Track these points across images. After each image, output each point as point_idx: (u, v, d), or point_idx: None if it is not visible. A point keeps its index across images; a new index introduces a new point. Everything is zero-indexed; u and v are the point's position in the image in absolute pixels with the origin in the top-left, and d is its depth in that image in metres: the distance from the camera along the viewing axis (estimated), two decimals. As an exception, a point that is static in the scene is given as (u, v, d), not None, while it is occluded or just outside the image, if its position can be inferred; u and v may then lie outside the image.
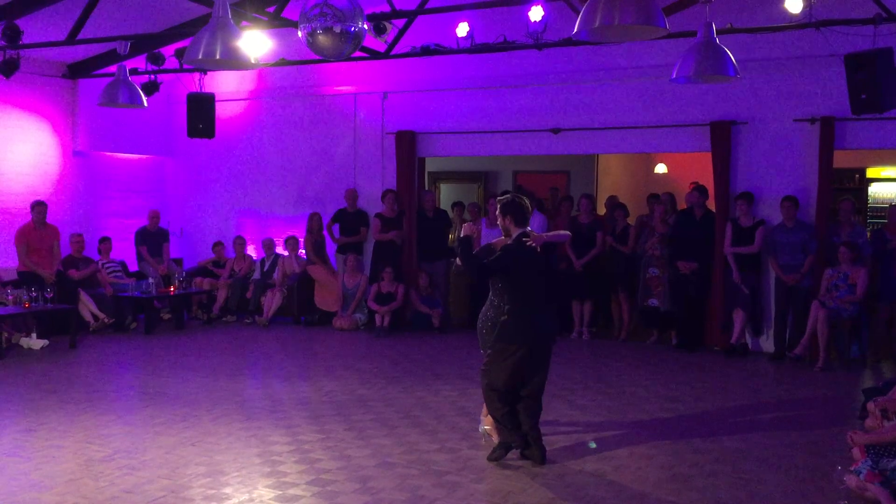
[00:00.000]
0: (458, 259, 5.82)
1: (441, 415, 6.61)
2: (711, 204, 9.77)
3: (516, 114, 10.74)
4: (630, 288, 10.12)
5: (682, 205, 10.69)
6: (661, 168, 14.34)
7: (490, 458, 5.43)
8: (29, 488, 4.88)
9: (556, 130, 10.51)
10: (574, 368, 8.52)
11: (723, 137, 9.55)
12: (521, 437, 5.43)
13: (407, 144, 11.19)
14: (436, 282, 11.08)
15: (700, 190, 9.86)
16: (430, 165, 12.90)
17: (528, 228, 5.46)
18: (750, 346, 9.49)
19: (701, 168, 11.11)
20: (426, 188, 12.22)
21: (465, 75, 10.87)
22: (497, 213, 5.54)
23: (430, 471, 5.23)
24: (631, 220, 10.72)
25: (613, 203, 11.05)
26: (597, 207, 11.46)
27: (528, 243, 5.31)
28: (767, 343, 9.40)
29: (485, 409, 5.80)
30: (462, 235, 5.40)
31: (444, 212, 11.63)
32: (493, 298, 5.46)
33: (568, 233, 6.19)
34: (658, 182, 13.74)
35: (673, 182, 13.43)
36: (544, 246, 5.42)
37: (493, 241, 5.67)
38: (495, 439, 5.61)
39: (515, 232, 5.42)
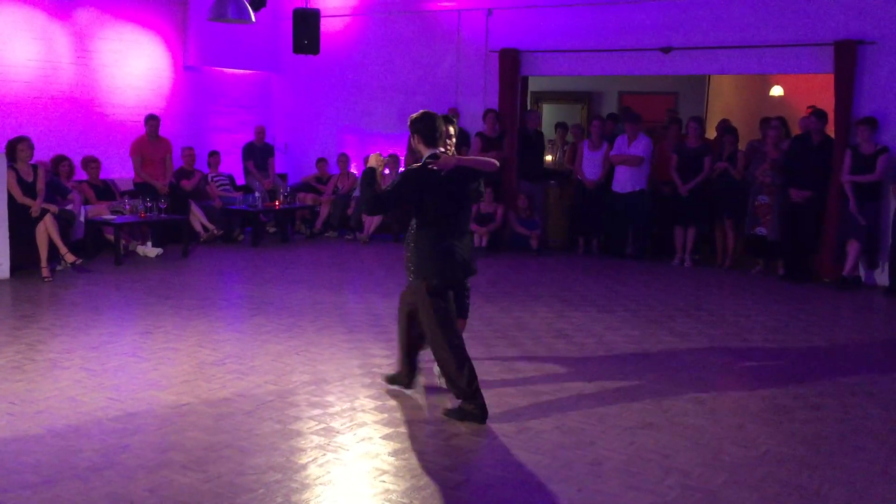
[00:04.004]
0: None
1: (538, 336, 6.65)
2: (830, 130, 9.28)
3: (624, 31, 10.35)
4: (737, 215, 9.80)
5: (795, 130, 10.20)
6: (776, 90, 13.64)
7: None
8: (149, 386, 5.19)
9: (666, 49, 10.09)
10: (675, 295, 8.38)
11: (847, 58, 8.98)
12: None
13: (510, 63, 10.98)
14: (535, 203, 11.00)
15: (818, 114, 9.34)
16: (533, 85, 12.65)
17: (440, 150, 4.76)
18: (863, 279, 9.11)
19: (819, 91, 10.51)
20: (528, 108, 12.02)
21: (572, -10, 10.52)
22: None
23: (528, 391, 5.27)
24: (741, 146, 10.31)
25: (724, 126, 10.63)
26: (706, 131, 11.05)
27: (430, 167, 4.63)
28: (882, 277, 9.00)
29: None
30: (366, 167, 4.78)
31: (541, 133, 11.51)
32: (412, 225, 4.88)
33: (494, 161, 5.00)
34: (773, 105, 13.09)
35: (789, 105, 12.77)
36: (463, 171, 4.72)
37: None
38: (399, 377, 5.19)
39: (425, 153, 4.73)
